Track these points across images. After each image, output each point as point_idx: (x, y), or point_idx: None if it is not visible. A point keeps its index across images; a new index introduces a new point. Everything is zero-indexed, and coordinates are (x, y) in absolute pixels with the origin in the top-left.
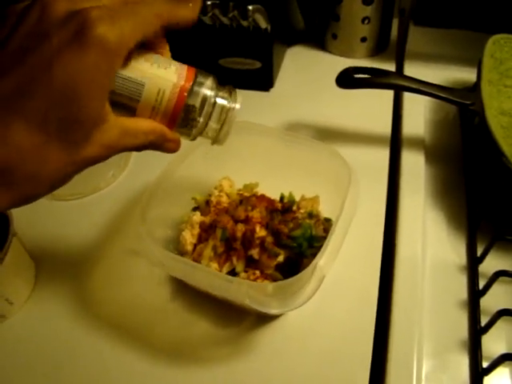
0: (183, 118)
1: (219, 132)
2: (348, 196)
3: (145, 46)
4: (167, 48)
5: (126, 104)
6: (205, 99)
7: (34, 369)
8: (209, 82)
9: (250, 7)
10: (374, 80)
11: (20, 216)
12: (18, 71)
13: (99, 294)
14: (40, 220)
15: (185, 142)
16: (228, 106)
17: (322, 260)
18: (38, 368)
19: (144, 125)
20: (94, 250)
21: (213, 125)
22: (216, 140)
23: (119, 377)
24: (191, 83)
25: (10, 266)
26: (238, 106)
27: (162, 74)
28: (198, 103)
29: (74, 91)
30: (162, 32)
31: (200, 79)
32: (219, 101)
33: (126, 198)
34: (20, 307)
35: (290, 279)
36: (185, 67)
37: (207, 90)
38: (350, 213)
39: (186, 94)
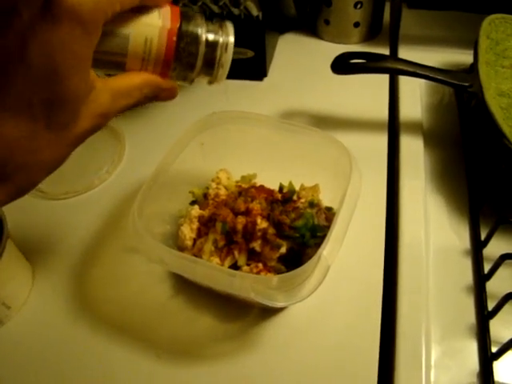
0: (176, 62)
1: (217, 70)
2: (350, 183)
3: None
4: None
5: (113, 60)
6: (196, 38)
7: (35, 373)
8: (197, 19)
9: None
10: (370, 64)
11: (14, 217)
12: None
13: (99, 293)
14: (35, 221)
15: (179, 132)
16: (221, 40)
17: (325, 250)
18: (39, 372)
19: (136, 80)
20: (92, 248)
21: (209, 63)
22: (215, 79)
23: (123, 376)
24: (178, 24)
25: (6, 269)
26: (231, 38)
27: (145, 22)
28: (189, 44)
29: (55, 69)
30: None
31: (187, 18)
32: (211, 37)
33: (121, 194)
34: (18, 311)
35: (295, 271)
36: (168, 8)
37: (196, 28)
38: (352, 200)
39: (174, 38)
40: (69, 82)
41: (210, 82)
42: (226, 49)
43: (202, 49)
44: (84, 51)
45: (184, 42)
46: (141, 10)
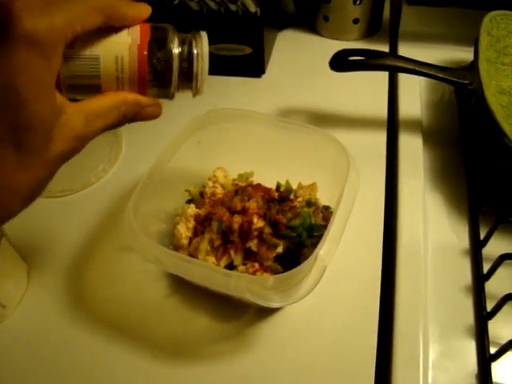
0: (152, 78)
1: (195, 82)
2: (347, 182)
3: None
4: None
5: (88, 84)
6: (169, 52)
7: (31, 372)
8: (167, 32)
9: None
10: (369, 62)
11: None
12: None
13: (95, 292)
14: (30, 219)
15: (175, 130)
16: (196, 51)
17: (322, 250)
18: (35, 371)
19: (112, 99)
20: (88, 247)
21: (186, 76)
22: (195, 91)
23: (119, 375)
24: (148, 39)
25: (0, 268)
26: (206, 49)
27: (114, 40)
28: (162, 58)
29: (16, 93)
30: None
31: (157, 32)
32: (185, 49)
33: (117, 192)
34: (13, 310)
35: (291, 271)
36: (137, 24)
37: (168, 41)
38: (349, 200)
39: (145, 52)
40: (32, 106)
41: (193, 95)
42: (202, 60)
43: (176, 62)
44: (44, 74)
45: (156, 56)
46: (108, 29)
